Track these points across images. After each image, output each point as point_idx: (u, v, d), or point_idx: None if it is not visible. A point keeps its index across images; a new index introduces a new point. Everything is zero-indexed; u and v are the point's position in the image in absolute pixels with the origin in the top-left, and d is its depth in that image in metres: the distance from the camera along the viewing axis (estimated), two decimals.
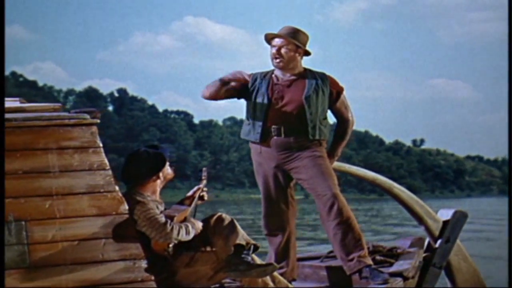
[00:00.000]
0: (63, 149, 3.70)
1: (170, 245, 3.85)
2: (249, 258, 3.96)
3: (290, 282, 4.64)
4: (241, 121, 5.01)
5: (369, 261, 4.63)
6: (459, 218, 5.26)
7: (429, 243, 5.26)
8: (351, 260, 4.59)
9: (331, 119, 4.81)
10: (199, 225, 3.98)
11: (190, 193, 4.17)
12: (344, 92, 4.79)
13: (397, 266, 4.83)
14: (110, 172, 3.75)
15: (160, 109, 69.51)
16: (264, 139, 4.66)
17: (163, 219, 3.83)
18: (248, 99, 4.71)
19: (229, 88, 4.66)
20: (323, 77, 4.74)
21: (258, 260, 4.06)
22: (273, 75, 4.74)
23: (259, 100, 4.66)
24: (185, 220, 3.97)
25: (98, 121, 3.80)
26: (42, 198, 3.63)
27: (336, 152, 4.85)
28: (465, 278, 5.38)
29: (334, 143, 4.85)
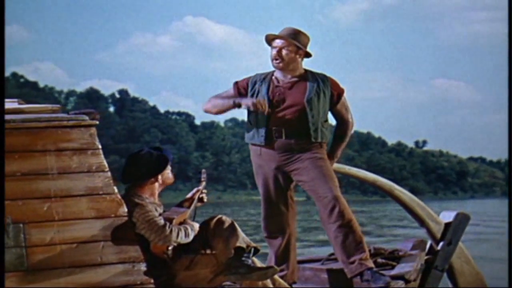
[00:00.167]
0: (62, 151, 3.68)
1: (169, 248, 3.84)
2: (250, 261, 3.95)
3: (290, 285, 4.63)
4: (243, 122, 5.00)
5: (370, 264, 4.61)
6: (461, 220, 5.24)
7: (431, 246, 5.23)
8: (352, 263, 4.57)
9: (331, 120, 4.79)
10: (196, 226, 3.96)
11: (189, 195, 4.15)
12: (345, 94, 4.77)
13: (399, 269, 4.82)
14: (109, 174, 3.73)
15: (162, 110, 69.59)
16: (268, 142, 4.64)
17: (162, 222, 3.81)
18: None
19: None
20: (324, 78, 4.72)
21: (258, 263, 4.04)
22: (273, 77, 4.72)
23: None
24: (184, 222, 3.94)
25: (97, 122, 3.78)
26: (40, 201, 3.60)
27: (336, 154, 4.83)
28: (468, 281, 5.35)
29: (333, 145, 4.83)
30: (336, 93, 4.74)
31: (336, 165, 4.89)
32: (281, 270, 4.59)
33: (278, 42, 4.68)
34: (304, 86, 4.67)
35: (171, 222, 3.85)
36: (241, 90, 4.73)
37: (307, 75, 4.71)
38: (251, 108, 4.58)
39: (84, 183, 3.68)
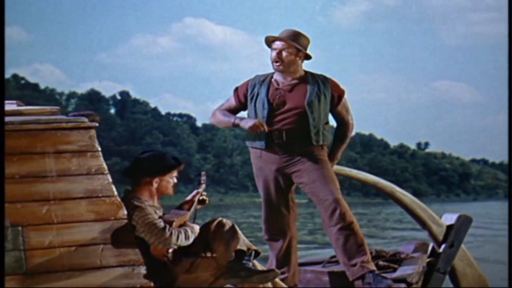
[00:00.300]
0: (61, 153, 3.66)
1: (170, 251, 3.82)
2: (250, 264, 3.93)
3: (291, 287, 4.60)
4: None
5: (372, 266, 4.58)
6: (464, 222, 5.21)
7: (433, 248, 5.21)
8: (354, 265, 4.55)
9: (331, 121, 4.77)
10: (196, 229, 3.94)
11: (189, 198, 4.14)
12: (345, 95, 4.75)
13: (401, 272, 4.80)
14: (108, 176, 3.71)
15: (163, 112, 69.57)
16: (269, 145, 4.62)
17: (162, 224, 3.79)
18: (249, 106, 4.69)
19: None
20: (324, 80, 4.70)
21: (259, 266, 4.02)
22: (272, 80, 4.70)
23: (259, 106, 4.64)
24: (184, 224, 3.92)
25: (97, 124, 3.76)
26: (39, 203, 3.59)
27: (336, 155, 4.80)
28: (470, 284, 5.32)
29: (334, 146, 4.81)
30: (337, 95, 4.72)
31: (336, 167, 4.87)
32: (282, 273, 4.57)
33: (278, 44, 4.66)
34: (305, 89, 4.64)
35: (171, 225, 3.83)
36: (241, 98, 4.72)
37: (307, 77, 4.69)
38: (250, 131, 4.58)
39: (83, 186, 3.66)
